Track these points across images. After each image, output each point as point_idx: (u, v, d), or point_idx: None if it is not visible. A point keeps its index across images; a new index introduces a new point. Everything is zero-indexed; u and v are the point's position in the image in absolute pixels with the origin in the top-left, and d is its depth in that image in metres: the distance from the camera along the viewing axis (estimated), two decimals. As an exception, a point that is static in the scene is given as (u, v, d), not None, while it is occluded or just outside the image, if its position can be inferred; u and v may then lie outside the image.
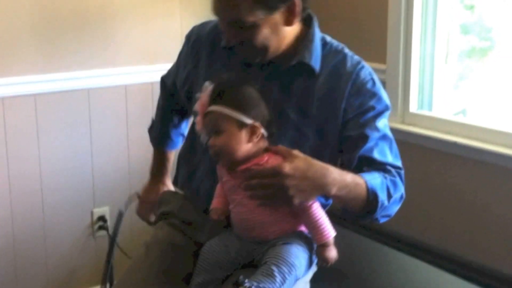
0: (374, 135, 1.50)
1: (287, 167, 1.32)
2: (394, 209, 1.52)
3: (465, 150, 2.37)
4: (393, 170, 1.51)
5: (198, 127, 1.41)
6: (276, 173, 1.32)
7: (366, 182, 1.42)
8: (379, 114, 1.53)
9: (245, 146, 1.38)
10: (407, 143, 2.57)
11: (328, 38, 1.58)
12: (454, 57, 2.56)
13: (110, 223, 2.56)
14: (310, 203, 1.38)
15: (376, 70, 2.64)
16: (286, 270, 1.35)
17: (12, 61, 2.31)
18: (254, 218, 1.41)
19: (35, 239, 2.46)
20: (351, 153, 1.49)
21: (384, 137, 1.53)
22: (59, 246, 2.51)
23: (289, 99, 1.50)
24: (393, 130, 2.58)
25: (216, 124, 1.38)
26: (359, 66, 1.53)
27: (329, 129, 1.50)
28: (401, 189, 1.52)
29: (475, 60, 2.55)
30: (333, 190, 1.37)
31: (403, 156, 2.61)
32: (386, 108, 1.54)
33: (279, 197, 1.34)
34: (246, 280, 1.31)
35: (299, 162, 1.34)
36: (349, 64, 1.52)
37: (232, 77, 1.43)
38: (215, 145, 1.39)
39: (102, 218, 2.56)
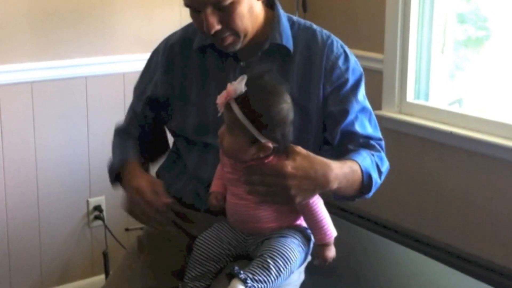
0: (354, 109, 1.51)
1: (289, 167, 1.31)
2: (381, 182, 1.55)
3: (461, 140, 2.37)
4: (376, 144, 1.53)
5: (219, 101, 1.36)
6: (278, 173, 1.31)
7: (360, 166, 1.44)
8: (356, 85, 1.53)
9: (250, 156, 1.35)
10: (404, 133, 2.58)
11: (295, 18, 1.57)
12: (451, 47, 2.56)
13: (106, 213, 2.55)
14: (312, 201, 1.36)
15: (373, 60, 2.68)
16: (281, 264, 1.34)
17: (9, 48, 2.28)
18: (250, 213, 1.39)
19: (30, 228, 2.44)
20: (334, 128, 1.51)
21: (363, 109, 1.54)
22: (54, 236, 2.49)
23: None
24: (389, 119, 2.62)
25: (231, 124, 1.34)
26: (330, 40, 1.54)
27: (312, 108, 1.50)
28: (386, 162, 1.56)
29: (472, 50, 2.55)
30: (335, 186, 1.37)
31: (399, 145, 2.63)
32: (361, 76, 1.56)
33: (280, 196, 1.34)
34: (241, 272, 1.30)
35: (301, 161, 1.33)
36: (319, 39, 1.53)
37: (269, 78, 1.36)
38: (222, 139, 1.36)
39: (98, 208, 2.55)
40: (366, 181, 1.45)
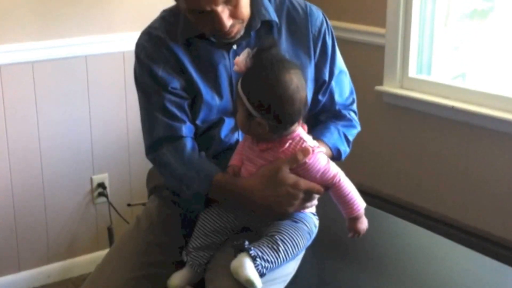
0: (337, 70, 1.59)
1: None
2: (350, 148, 1.62)
3: (462, 114, 2.37)
4: (347, 113, 1.61)
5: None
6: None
7: (328, 145, 1.52)
8: (334, 46, 1.59)
9: (250, 131, 1.35)
10: (405, 108, 2.58)
11: None
12: (454, 19, 2.53)
13: (109, 190, 2.58)
14: (337, 177, 1.37)
15: (375, 35, 2.66)
16: (290, 248, 1.36)
17: (9, 27, 2.28)
18: None
19: (35, 206, 2.47)
20: (319, 94, 1.57)
21: (341, 73, 1.61)
22: (59, 213, 2.52)
23: None
24: (391, 95, 2.61)
25: (235, 97, 1.37)
26: (308, 7, 1.56)
27: (307, 77, 1.52)
28: (356, 126, 1.63)
29: (475, 22, 2.52)
30: None
31: (400, 121, 2.63)
32: (332, 30, 1.59)
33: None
34: (252, 248, 1.31)
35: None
36: (299, 9, 1.55)
37: (276, 53, 1.34)
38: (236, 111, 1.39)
39: (101, 185, 2.57)
40: (336, 155, 1.55)
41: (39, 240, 2.49)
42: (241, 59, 1.33)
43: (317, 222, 1.47)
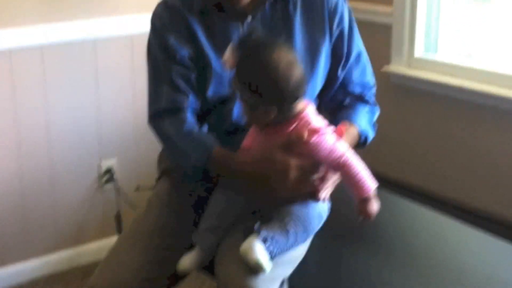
0: (353, 50, 1.59)
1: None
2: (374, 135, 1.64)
3: (470, 94, 2.35)
4: (369, 98, 1.62)
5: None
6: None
7: (358, 131, 1.54)
8: (352, 23, 1.59)
9: (257, 120, 1.35)
10: (412, 87, 2.55)
11: None
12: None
13: (117, 175, 2.57)
14: (346, 157, 1.33)
15: (381, 14, 2.62)
16: (300, 233, 1.35)
17: (17, 11, 2.26)
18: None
19: (43, 192, 2.46)
20: (335, 71, 1.57)
21: (360, 53, 1.61)
22: (67, 199, 2.52)
23: (277, 37, 1.49)
24: (398, 75, 2.58)
25: (235, 90, 1.36)
26: None
27: (318, 54, 1.52)
28: (377, 110, 1.64)
29: (483, 1, 2.49)
30: None
31: (407, 100, 2.61)
32: (349, 8, 1.59)
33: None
34: (262, 230, 1.30)
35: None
36: None
37: (255, 38, 1.34)
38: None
39: (109, 171, 2.57)
40: (362, 142, 1.55)
41: (47, 227, 2.50)
42: (227, 56, 1.32)
43: (326, 208, 1.45)
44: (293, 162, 1.34)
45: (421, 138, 2.58)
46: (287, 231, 1.33)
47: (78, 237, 2.57)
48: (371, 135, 1.59)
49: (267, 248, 1.29)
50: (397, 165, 2.66)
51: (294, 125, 1.34)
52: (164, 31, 1.49)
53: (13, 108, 2.33)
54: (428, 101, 2.52)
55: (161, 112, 1.49)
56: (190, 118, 1.47)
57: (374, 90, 1.66)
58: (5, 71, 2.29)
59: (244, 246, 1.29)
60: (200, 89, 1.49)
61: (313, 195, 1.39)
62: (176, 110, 1.47)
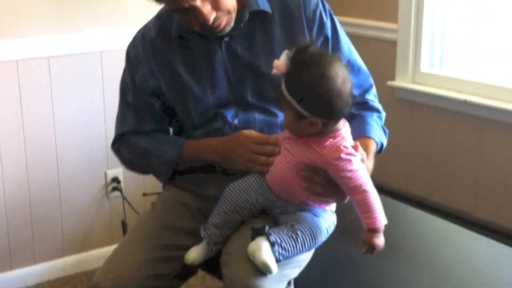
0: (344, 51, 1.57)
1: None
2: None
3: (475, 108, 2.37)
4: (371, 101, 1.61)
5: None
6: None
7: (376, 142, 1.53)
8: (335, 27, 1.57)
9: (302, 131, 1.35)
10: (417, 102, 2.58)
11: None
12: (465, 16, 2.54)
13: (123, 184, 2.60)
14: (363, 183, 1.33)
15: (387, 30, 2.67)
16: (308, 240, 1.36)
17: (26, 22, 2.31)
18: (289, 182, 1.39)
19: (50, 200, 2.49)
20: None
21: (350, 56, 1.59)
22: (74, 207, 2.54)
23: (257, 52, 1.51)
24: (403, 89, 2.61)
25: (280, 99, 1.35)
26: None
27: None
28: (383, 114, 1.63)
29: (486, 18, 2.52)
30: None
31: (413, 115, 2.63)
32: (330, 11, 1.58)
33: (335, 198, 1.41)
34: (272, 233, 1.31)
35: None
36: None
37: (313, 51, 1.35)
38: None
39: (115, 180, 2.59)
40: (378, 151, 1.55)
41: (54, 233, 2.52)
42: (281, 61, 1.33)
43: (335, 220, 1.47)
44: (254, 134, 1.43)
45: (426, 152, 2.60)
46: (296, 238, 1.34)
47: (84, 244, 2.59)
48: (385, 142, 1.58)
49: (275, 251, 1.31)
50: (402, 177, 2.68)
51: (329, 141, 1.34)
52: (136, 62, 1.56)
53: (20, 118, 2.36)
54: (433, 115, 2.54)
55: (126, 133, 1.59)
56: (155, 132, 1.58)
57: (374, 90, 1.63)
58: (12, 81, 2.32)
59: (252, 246, 1.31)
60: (183, 113, 1.55)
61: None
62: (140, 132, 1.58)
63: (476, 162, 2.42)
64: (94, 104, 2.49)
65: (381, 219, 1.34)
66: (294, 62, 1.31)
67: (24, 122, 2.37)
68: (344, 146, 1.34)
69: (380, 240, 1.34)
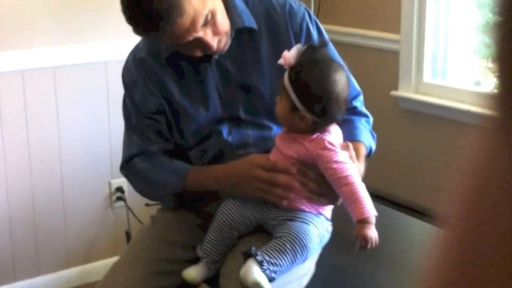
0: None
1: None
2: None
3: (478, 118, 2.37)
4: (359, 107, 1.61)
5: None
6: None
7: (365, 146, 1.54)
8: (322, 33, 1.58)
9: (291, 123, 1.38)
10: (420, 112, 2.59)
11: None
12: (469, 27, 2.55)
13: (127, 194, 2.61)
14: (349, 174, 1.35)
15: (389, 41, 2.68)
16: (299, 250, 1.36)
17: (31, 33, 2.32)
18: None
19: (54, 210, 2.49)
20: None
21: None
22: (78, 217, 2.54)
23: (246, 68, 1.52)
24: (406, 99, 2.62)
25: (281, 89, 1.38)
26: (287, 4, 1.54)
27: None
28: (371, 118, 1.63)
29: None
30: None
31: (416, 126, 2.64)
32: (317, 22, 1.58)
33: (328, 199, 1.41)
34: (258, 253, 1.33)
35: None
36: (277, 7, 1.53)
37: (325, 52, 1.39)
38: (277, 103, 1.40)
39: (119, 189, 2.60)
40: (367, 153, 1.56)
41: (58, 245, 2.52)
42: (292, 53, 1.36)
43: (330, 228, 1.47)
44: (257, 159, 1.41)
45: (428, 162, 2.61)
46: (284, 250, 1.35)
47: (88, 255, 2.59)
48: (373, 146, 1.60)
49: (265, 270, 1.32)
50: (405, 187, 2.68)
51: (315, 135, 1.38)
52: (133, 86, 1.56)
53: (25, 128, 2.37)
54: (436, 125, 2.55)
55: (133, 156, 1.58)
56: (159, 153, 1.56)
57: (361, 97, 1.64)
58: (18, 91, 2.32)
59: (243, 270, 1.33)
60: (177, 133, 1.55)
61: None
62: (146, 154, 1.57)
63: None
64: (99, 114, 2.50)
65: (370, 209, 1.33)
66: (304, 57, 1.35)
67: (29, 131, 2.38)
68: (329, 142, 1.37)
69: (372, 232, 1.32)
